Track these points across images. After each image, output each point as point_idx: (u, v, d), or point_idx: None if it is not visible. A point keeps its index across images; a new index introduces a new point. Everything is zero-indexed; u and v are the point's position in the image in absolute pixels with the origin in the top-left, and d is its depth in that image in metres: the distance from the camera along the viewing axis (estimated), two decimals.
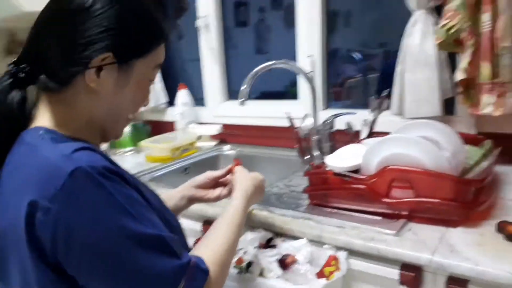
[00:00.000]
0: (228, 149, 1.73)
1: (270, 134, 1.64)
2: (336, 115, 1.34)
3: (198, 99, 1.93)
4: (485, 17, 1.06)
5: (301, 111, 1.40)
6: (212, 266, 0.65)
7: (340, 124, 1.33)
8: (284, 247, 0.91)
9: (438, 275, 0.81)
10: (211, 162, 1.64)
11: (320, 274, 0.81)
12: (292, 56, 1.58)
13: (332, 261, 0.83)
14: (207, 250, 0.68)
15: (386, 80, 1.88)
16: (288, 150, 1.47)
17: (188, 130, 1.80)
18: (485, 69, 1.08)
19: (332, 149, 1.30)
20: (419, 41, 1.19)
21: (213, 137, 1.79)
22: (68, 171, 0.54)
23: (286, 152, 1.52)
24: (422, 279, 0.82)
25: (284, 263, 0.85)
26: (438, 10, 1.19)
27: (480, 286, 0.75)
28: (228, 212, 0.79)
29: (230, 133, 1.77)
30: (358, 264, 0.87)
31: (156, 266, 0.58)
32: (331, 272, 0.82)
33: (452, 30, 1.10)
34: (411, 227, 0.89)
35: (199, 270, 0.62)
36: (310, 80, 1.33)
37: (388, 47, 1.58)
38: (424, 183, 0.88)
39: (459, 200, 0.86)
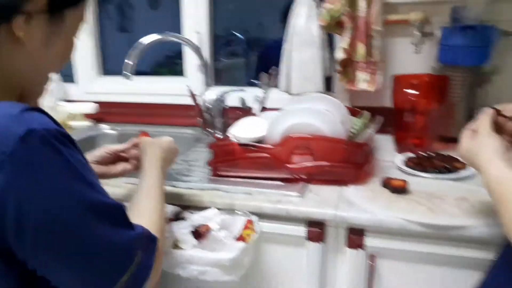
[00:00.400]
0: (107, 129, 1.60)
1: (157, 112, 1.57)
2: (226, 92, 1.35)
3: (65, 76, 1.73)
4: (362, 3, 1.21)
5: (188, 88, 1.38)
6: (156, 234, 0.62)
7: (229, 101, 1.36)
8: (195, 218, 0.89)
9: (339, 228, 0.90)
10: (89, 143, 1.49)
11: (240, 238, 0.83)
12: None
13: (249, 224, 0.86)
14: (144, 220, 0.63)
15: (267, 60, 1.99)
16: (179, 128, 1.44)
17: (57, 108, 1.60)
18: (361, 49, 1.23)
19: (225, 125, 1.32)
20: (305, 22, 1.28)
21: (88, 116, 1.63)
22: (19, 134, 0.45)
23: (177, 129, 1.48)
24: (326, 233, 0.91)
25: (199, 233, 0.84)
26: None
27: (374, 232, 0.87)
28: (144, 188, 0.75)
29: (110, 112, 1.63)
30: (268, 226, 0.92)
31: (115, 239, 0.53)
32: (249, 235, 0.84)
33: (335, 14, 1.21)
34: (311, 188, 0.97)
35: (150, 239, 0.60)
36: (201, 56, 1.31)
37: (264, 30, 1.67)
38: (322, 149, 0.97)
39: (351, 162, 0.98)
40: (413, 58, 1.27)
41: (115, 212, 0.55)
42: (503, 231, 0.63)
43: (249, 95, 1.32)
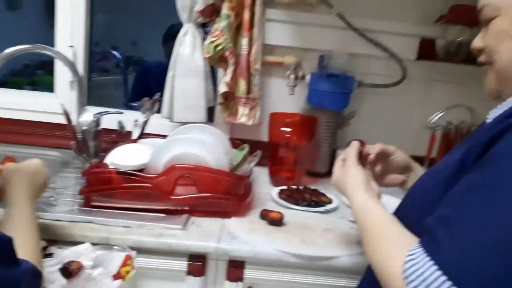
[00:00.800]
0: None
1: (17, 130, 1.37)
2: (102, 113, 1.27)
3: None
4: (244, 42, 1.28)
5: (58, 105, 1.25)
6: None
7: (105, 123, 1.27)
8: (65, 254, 0.80)
9: (220, 261, 0.91)
10: None
11: (117, 276, 0.77)
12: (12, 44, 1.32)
13: (128, 260, 0.80)
14: (25, 255, 0.57)
15: (145, 82, 1.93)
16: (44, 149, 1.28)
17: None
18: (242, 85, 1.30)
19: (99, 149, 1.23)
20: (190, 51, 1.29)
21: None
22: None
23: (42, 151, 1.31)
24: (206, 267, 0.91)
25: (68, 271, 0.76)
26: (206, 25, 1.33)
27: (254, 264, 0.90)
28: (15, 221, 0.65)
29: None
30: (147, 261, 0.88)
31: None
32: (128, 272, 0.79)
33: (218, 48, 1.25)
34: (193, 220, 0.97)
35: (35, 275, 0.56)
36: (76, 72, 1.21)
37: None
38: (206, 180, 0.98)
39: (233, 194, 1.00)
40: (287, 97, 1.38)
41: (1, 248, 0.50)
42: (366, 257, 0.69)
43: (128, 118, 1.26)
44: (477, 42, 0.66)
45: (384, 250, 0.58)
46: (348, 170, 0.76)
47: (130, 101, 1.59)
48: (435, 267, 0.47)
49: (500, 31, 0.60)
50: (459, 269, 0.45)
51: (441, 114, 1.26)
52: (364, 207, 0.68)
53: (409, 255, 0.51)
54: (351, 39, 1.37)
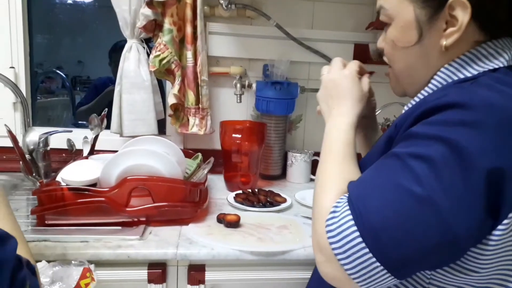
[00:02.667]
0: None
1: None
2: (50, 133, 1.25)
3: None
4: (189, 54, 1.32)
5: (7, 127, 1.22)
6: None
7: (54, 143, 1.26)
8: None
9: (180, 267, 0.93)
10: None
11: None
12: None
13: (87, 273, 0.81)
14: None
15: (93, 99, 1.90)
16: None
17: None
18: (191, 96, 1.33)
19: (48, 169, 1.21)
20: (135, 66, 1.31)
21: None
22: None
23: None
24: (167, 274, 0.93)
25: None
26: (150, 40, 1.36)
27: (214, 266, 0.93)
28: None
29: None
30: (107, 274, 0.88)
31: None
32: (87, 284, 0.79)
33: (164, 61, 1.28)
34: (151, 230, 0.98)
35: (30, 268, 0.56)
36: (20, 93, 1.19)
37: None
38: (160, 189, 0.99)
39: (190, 201, 1.03)
40: (236, 106, 1.43)
41: None
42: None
43: (77, 136, 1.25)
44: (380, 43, 0.70)
45: (324, 183, 0.62)
46: (347, 78, 0.72)
47: (79, 119, 1.57)
48: (350, 217, 0.52)
49: (392, 39, 0.64)
50: (372, 230, 0.50)
51: (378, 111, 1.36)
52: (340, 126, 0.69)
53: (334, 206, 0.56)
54: (292, 48, 1.45)
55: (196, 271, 0.93)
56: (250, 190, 1.27)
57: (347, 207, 0.53)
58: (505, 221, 0.49)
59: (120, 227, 0.98)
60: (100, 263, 0.87)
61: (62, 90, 2.48)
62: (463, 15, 0.55)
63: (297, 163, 1.45)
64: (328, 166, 0.64)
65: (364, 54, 1.46)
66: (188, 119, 1.35)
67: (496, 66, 0.56)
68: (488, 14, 0.56)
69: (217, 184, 1.36)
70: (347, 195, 0.56)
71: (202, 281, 0.93)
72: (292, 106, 1.42)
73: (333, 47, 1.46)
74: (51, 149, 1.24)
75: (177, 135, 1.43)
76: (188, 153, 1.28)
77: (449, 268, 0.53)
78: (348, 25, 1.48)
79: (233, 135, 1.30)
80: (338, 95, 0.72)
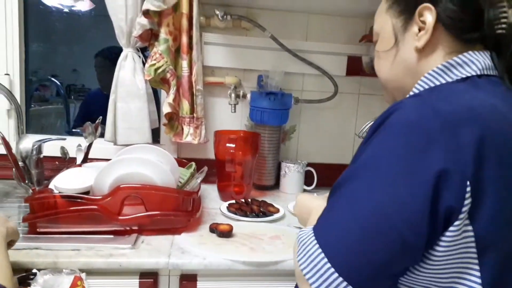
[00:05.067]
0: None
1: None
2: (44, 140, 1.25)
3: None
4: (184, 64, 1.33)
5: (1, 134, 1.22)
6: None
7: (47, 150, 1.26)
8: None
9: (172, 276, 0.93)
10: None
11: None
12: None
13: (78, 281, 0.80)
14: None
15: (89, 109, 1.91)
16: None
17: None
18: (185, 105, 1.34)
19: (41, 176, 1.21)
20: (130, 75, 1.32)
21: None
22: None
23: None
24: (158, 283, 0.92)
25: None
26: (146, 50, 1.37)
27: (206, 276, 0.93)
28: None
29: None
30: (98, 283, 0.88)
31: None
32: None
33: (159, 71, 1.29)
34: (143, 239, 0.98)
35: None
36: (14, 100, 1.19)
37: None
38: (153, 198, 0.99)
39: (182, 210, 1.03)
40: (230, 115, 1.44)
41: None
42: None
43: (71, 144, 1.25)
44: (369, 59, 0.77)
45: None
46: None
47: (74, 128, 1.57)
48: (315, 241, 0.55)
49: (378, 51, 0.71)
50: (331, 246, 0.53)
51: (370, 123, 1.38)
52: None
53: (301, 230, 0.60)
54: (286, 59, 1.47)
55: (188, 280, 0.92)
56: (243, 200, 1.27)
57: (312, 235, 0.56)
58: (456, 222, 0.50)
59: (112, 236, 0.97)
60: (92, 272, 0.87)
61: (56, 98, 2.48)
62: (429, 18, 0.61)
63: (291, 174, 1.45)
64: None
65: (357, 66, 1.48)
66: (182, 128, 1.35)
67: (469, 75, 0.59)
68: (453, 15, 0.60)
69: (210, 193, 1.36)
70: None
71: None
72: (286, 116, 1.43)
73: (327, 59, 1.48)
74: (44, 156, 1.24)
75: (171, 144, 1.43)
76: (182, 162, 1.28)
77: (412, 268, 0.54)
78: (341, 37, 1.50)
79: (227, 144, 1.30)
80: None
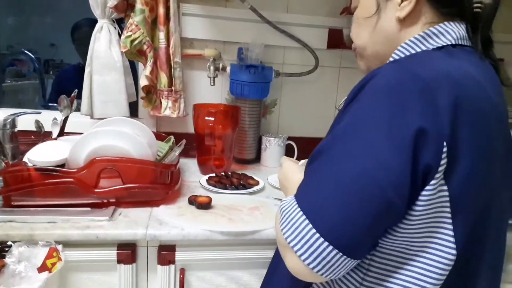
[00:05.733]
0: None
1: None
2: (18, 114, 1.22)
3: None
4: (161, 35, 1.30)
5: None
6: None
7: (22, 124, 1.23)
8: None
9: (150, 247, 0.93)
10: None
11: (42, 268, 0.77)
12: None
13: (53, 252, 0.80)
14: None
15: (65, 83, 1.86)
16: None
17: None
18: (163, 78, 1.32)
19: (16, 151, 1.19)
20: (106, 47, 1.29)
21: None
22: None
23: None
24: (137, 254, 0.92)
25: None
26: (122, 21, 1.33)
27: (185, 246, 0.94)
28: None
29: None
30: (76, 254, 0.88)
31: None
32: (53, 264, 0.79)
33: (135, 42, 1.26)
34: (121, 211, 0.98)
35: None
36: None
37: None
38: (131, 171, 0.99)
39: (160, 183, 1.03)
40: (210, 89, 1.42)
41: None
42: None
43: (46, 118, 1.23)
44: (349, 31, 0.77)
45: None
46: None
47: (50, 102, 1.53)
48: (298, 209, 0.55)
49: (358, 18, 0.71)
50: (316, 212, 0.53)
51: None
52: None
53: (283, 200, 0.60)
54: (267, 32, 1.44)
55: (166, 251, 0.93)
56: (223, 173, 1.27)
57: (295, 203, 0.56)
58: (433, 182, 0.51)
59: (89, 208, 0.97)
60: (68, 244, 0.86)
61: (34, 73, 2.41)
62: None
63: (271, 147, 1.46)
64: None
65: (338, 39, 1.47)
66: (160, 102, 1.34)
67: (444, 44, 0.61)
68: None
69: (190, 167, 1.36)
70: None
71: (172, 261, 0.93)
72: (266, 90, 1.42)
73: (307, 32, 1.47)
74: (19, 131, 1.21)
75: (149, 118, 1.42)
76: (161, 136, 1.27)
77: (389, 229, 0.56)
78: (322, 10, 1.48)
79: (207, 118, 1.29)
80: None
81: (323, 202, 0.53)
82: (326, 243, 0.52)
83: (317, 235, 0.52)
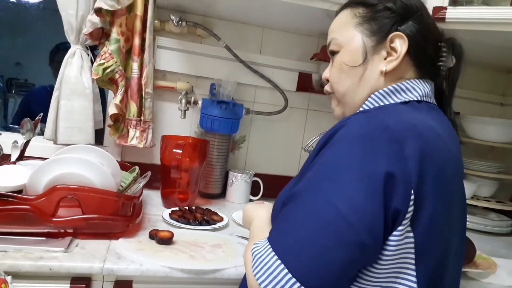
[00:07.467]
0: None
1: None
2: None
3: None
4: (134, 66, 1.30)
5: None
6: None
7: None
8: None
9: (106, 281, 0.89)
10: None
11: None
12: None
13: (2, 284, 0.75)
14: None
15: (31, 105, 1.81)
16: None
17: None
18: (133, 107, 1.31)
19: None
20: (77, 72, 1.27)
21: None
22: None
23: None
24: None
25: None
26: (96, 48, 1.33)
27: (142, 283, 0.90)
28: None
29: None
30: (25, 287, 0.83)
31: None
32: None
33: (108, 70, 1.25)
34: (78, 243, 0.94)
35: None
36: None
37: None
38: (92, 201, 0.96)
39: (122, 215, 1.00)
40: (179, 121, 1.43)
41: None
42: None
43: (6, 140, 1.18)
44: (325, 74, 0.79)
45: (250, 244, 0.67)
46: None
47: (13, 124, 1.48)
48: (273, 253, 0.55)
49: (340, 63, 0.73)
50: (291, 255, 0.54)
51: (316, 138, 1.41)
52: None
53: (255, 244, 0.60)
54: (240, 70, 1.48)
55: (123, 287, 0.89)
56: (187, 208, 1.25)
57: (269, 246, 0.56)
58: (400, 228, 0.54)
59: (44, 238, 0.92)
60: (19, 275, 0.81)
61: None
62: (401, 46, 0.67)
63: (238, 183, 1.46)
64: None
65: (307, 83, 1.53)
66: (128, 131, 1.32)
67: (410, 99, 0.66)
68: (420, 48, 0.68)
69: (153, 199, 1.33)
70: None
71: None
72: (236, 126, 1.44)
73: (279, 73, 1.52)
74: None
75: (115, 146, 1.39)
76: (125, 165, 1.25)
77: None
78: (294, 54, 1.55)
79: (174, 150, 1.28)
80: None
81: (298, 245, 0.53)
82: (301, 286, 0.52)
83: (293, 279, 0.52)
